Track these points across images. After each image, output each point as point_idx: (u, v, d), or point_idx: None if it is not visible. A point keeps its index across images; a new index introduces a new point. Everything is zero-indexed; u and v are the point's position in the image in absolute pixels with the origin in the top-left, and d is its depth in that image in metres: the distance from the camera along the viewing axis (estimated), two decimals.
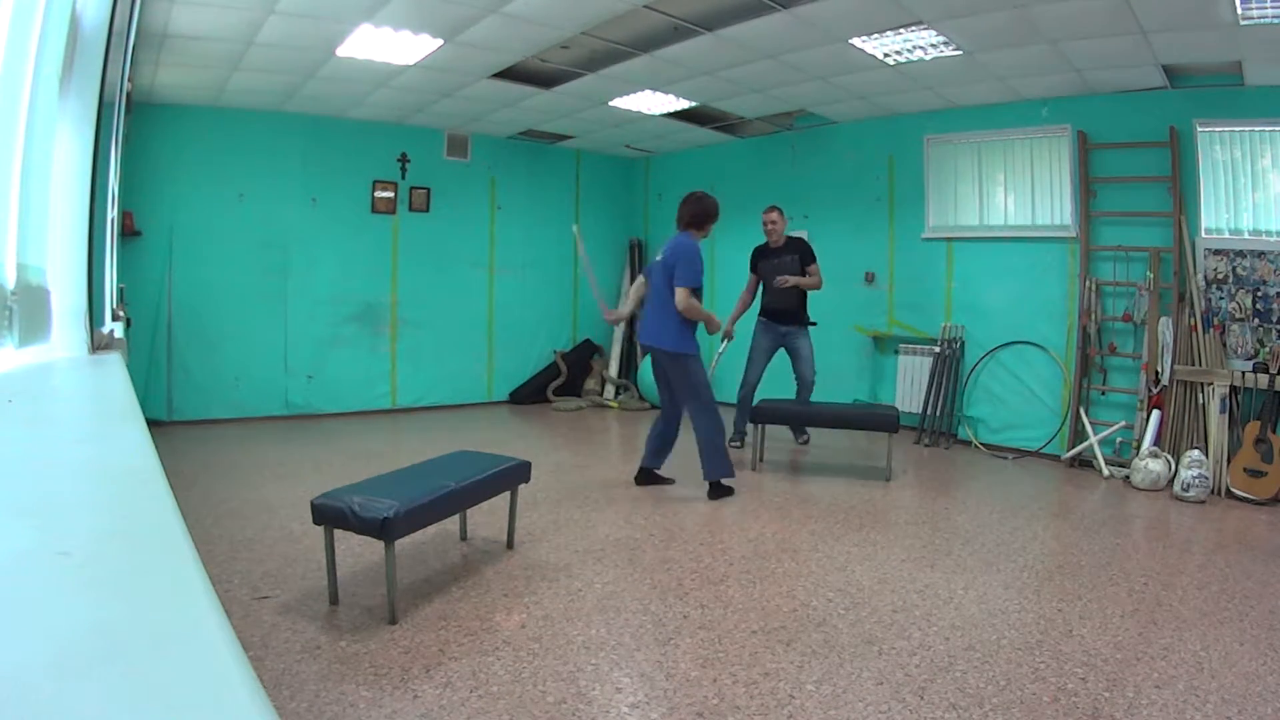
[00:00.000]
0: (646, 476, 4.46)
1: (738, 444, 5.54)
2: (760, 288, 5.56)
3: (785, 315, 5.41)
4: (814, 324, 5.56)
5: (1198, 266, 4.82)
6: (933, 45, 4.58)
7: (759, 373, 5.49)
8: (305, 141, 6.53)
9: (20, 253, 1.45)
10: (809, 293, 5.45)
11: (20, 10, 1.30)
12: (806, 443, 5.75)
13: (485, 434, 6.13)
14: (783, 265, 5.35)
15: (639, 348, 4.27)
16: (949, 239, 6.10)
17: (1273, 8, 3.63)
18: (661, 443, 4.38)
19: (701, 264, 4.08)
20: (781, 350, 5.53)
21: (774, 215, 5.41)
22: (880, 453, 5.18)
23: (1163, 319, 4.97)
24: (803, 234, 6.23)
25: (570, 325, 8.31)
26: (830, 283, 6.88)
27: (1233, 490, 4.46)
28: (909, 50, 4.70)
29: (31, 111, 1.38)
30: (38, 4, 1.34)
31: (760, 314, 5.56)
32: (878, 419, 4.92)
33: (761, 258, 5.51)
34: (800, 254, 5.35)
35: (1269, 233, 4.70)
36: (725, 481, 4.23)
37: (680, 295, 4.00)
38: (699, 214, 4.19)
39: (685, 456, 4.85)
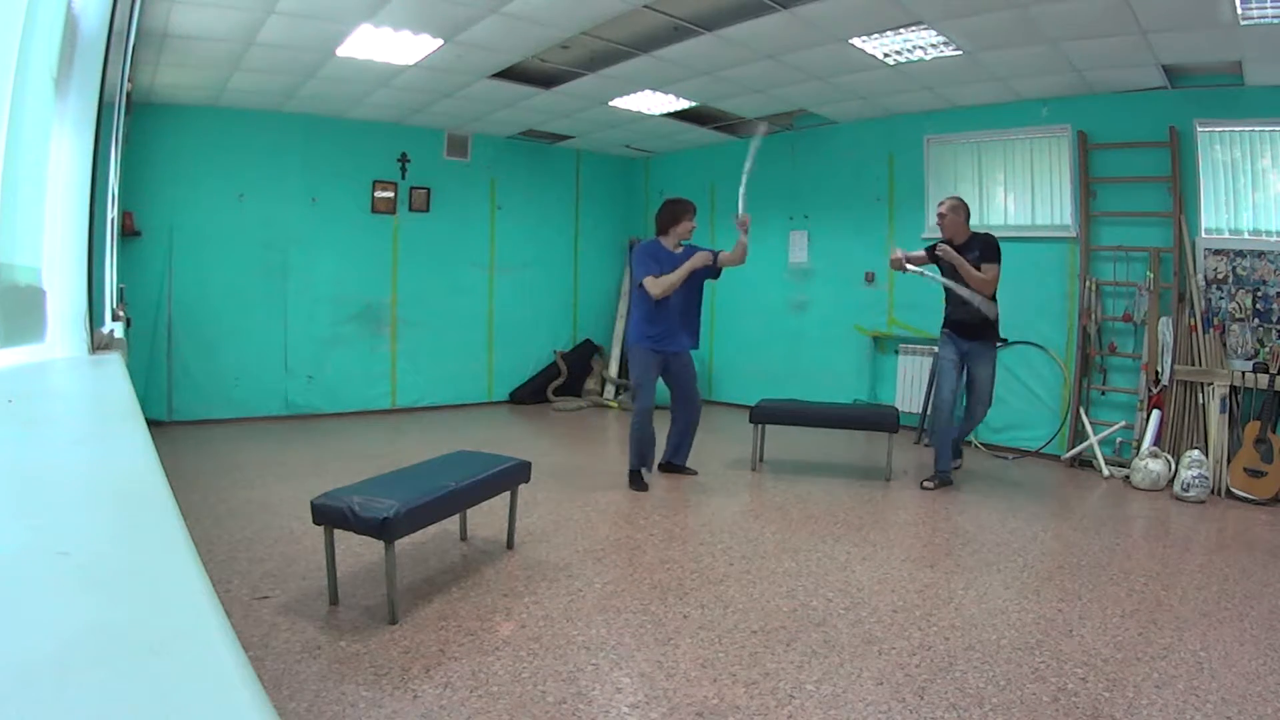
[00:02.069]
0: (668, 467, 4.76)
1: (931, 485, 4.60)
2: (949, 295, 4.60)
3: (968, 328, 4.51)
4: (1003, 341, 4.82)
5: (1198, 266, 4.82)
6: (933, 45, 4.58)
7: (950, 388, 4.58)
8: (305, 141, 6.53)
9: (7, 252, 1.44)
10: (995, 302, 4.50)
11: (4, 7, 1.29)
12: (954, 469, 4.82)
13: (485, 434, 6.13)
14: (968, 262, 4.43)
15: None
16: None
17: (1273, 8, 3.63)
18: (679, 438, 4.70)
19: (646, 258, 4.36)
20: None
21: (942, 208, 4.54)
22: (880, 453, 5.17)
23: (1163, 319, 4.97)
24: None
25: (570, 325, 8.32)
26: (830, 282, 6.93)
27: (1233, 490, 4.46)
28: (909, 50, 4.70)
29: (17, 111, 1.37)
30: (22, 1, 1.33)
31: (943, 325, 4.68)
32: (878, 419, 4.92)
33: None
34: (981, 251, 4.40)
35: (1269, 233, 4.70)
36: (642, 474, 4.48)
37: (647, 287, 4.30)
38: (657, 220, 4.51)
39: (695, 454, 4.86)
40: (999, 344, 4.70)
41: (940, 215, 4.56)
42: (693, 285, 4.45)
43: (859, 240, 6.69)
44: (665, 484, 4.55)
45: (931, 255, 4.56)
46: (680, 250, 4.44)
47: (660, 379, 4.52)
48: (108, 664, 0.38)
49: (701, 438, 6.34)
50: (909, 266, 4.54)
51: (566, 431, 6.47)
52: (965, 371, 4.62)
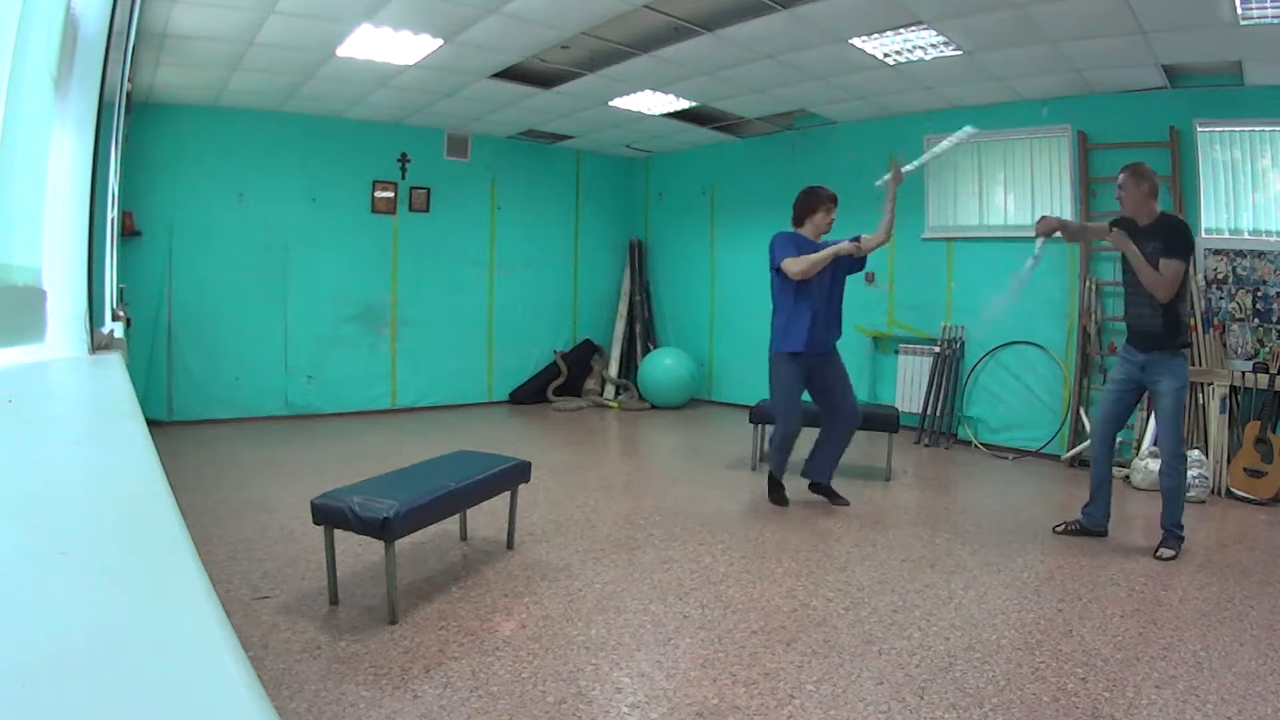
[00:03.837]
0: (817, 488, 4.23)
1: (1068, 527, 3.79)
2: (1125, 294, 3.72)
3: (1145, 337, 3.53)
4: (1187, 347, 3.64)
5: (1198, 266, 4.82)
6: (933, 45, 4.58)
7: (1104, 415, 3.71)
8: (305, 141, 6.53)
9: (6, 252, 1.44)
10: (1176, 307, 3.46)
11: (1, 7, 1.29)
12: (1171, 557, 3.46)
13: (485, 434, 6.13)
14: (1145, 254, 3.44)
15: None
16: (949, 239, 6.10)
17: (1273, 8, 3.63)
18: (828, 450, 4.14)
19: (785, 244, 3.94)
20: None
21: (1120, 177, 3.55)
22: (880, 453, 5.17)
23: None
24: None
25: (570, 325, 8.32)
26: None
27: (1233, 490, 4.46)
28: (909, 50, 4.70)
29: (16, 111, 1.37)
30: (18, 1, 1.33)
31: (1126, 338, 3.73)
32: (878, 419, 4.91)
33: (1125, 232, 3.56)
34: (1164, 241, 3.39)
35: (1269, 233, 4.70)
36: (780, 484, 4.21)
37: (786, 267, 3.88)
38: (794, 209, 4.09)
39: (695, 454, 4.85)
40: (1184, 355, 3.54)
41: (1119, 187, 3.56)
42: (835, 280, 4.02)
43: None
44: (665, 484, 4.54)
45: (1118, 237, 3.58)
46: (820, 243, 4.00)
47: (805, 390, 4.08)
48: (108, 664, 0.38)
49: (701, 438, 6.35)
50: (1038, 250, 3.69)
51: (566, 431, 6.47)
52: (1149, 392, 3.69)
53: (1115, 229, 3.55)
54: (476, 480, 2.99)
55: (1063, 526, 3.83)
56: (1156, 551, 3.47)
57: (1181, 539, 3.51)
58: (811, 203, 4.01)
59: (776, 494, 4.19)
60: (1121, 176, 3.56)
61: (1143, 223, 3.50)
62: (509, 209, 7.76)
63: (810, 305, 3.95)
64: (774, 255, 3.97)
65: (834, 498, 4.19)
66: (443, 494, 2.78)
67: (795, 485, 4.38)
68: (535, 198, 7.93)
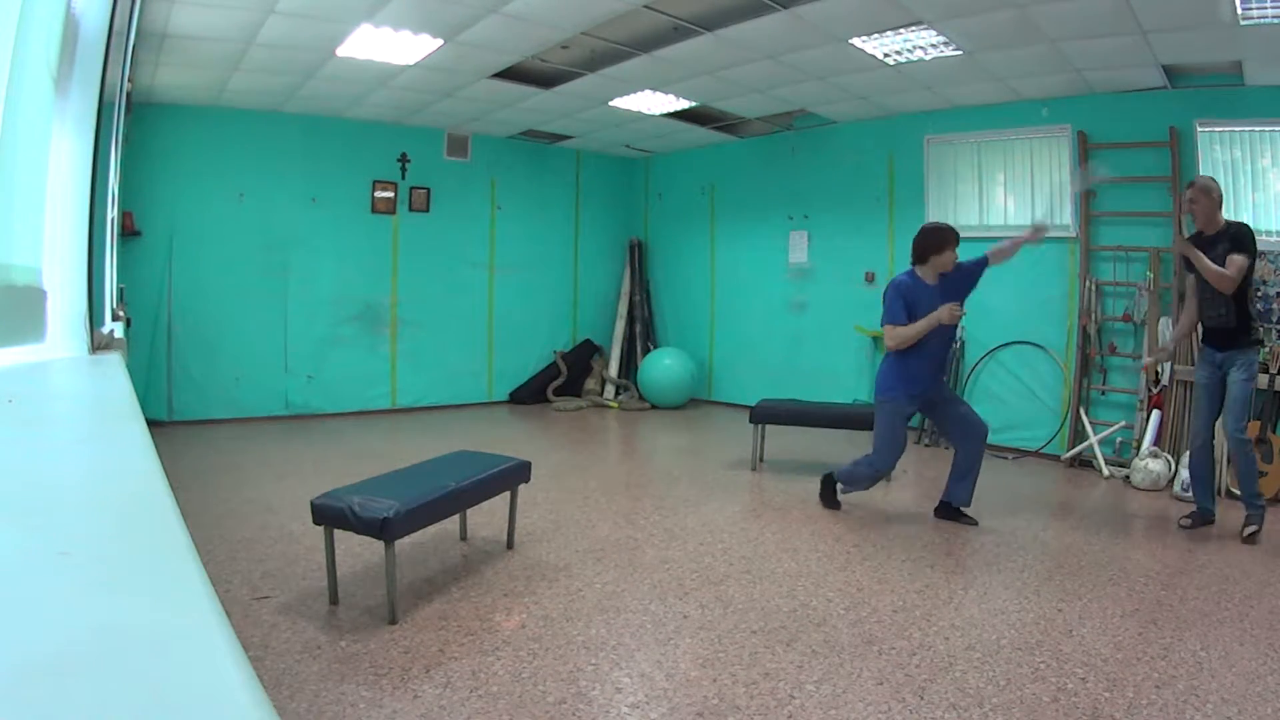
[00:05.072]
0: (945, 510, 4.02)
1: (1187, 523, 3.89)
2: (1198, 300, 3.86)
3: (1223, 335, 3.75)
4: (1260, 343, 3.96)
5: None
6: (933, 45, 4.58)
7: (1203, 418, 3.87)
8: (305, 141, 6.53)
9: (6, 252, 1.44)
10: (1246, 305, 3.72)
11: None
12: (1254, 533, 3.69)
13: (485, 434, 6.13)
14: (1216, 260, 3.63)
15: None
16: None
17: (1273, 8, 3.63)
18: (964, 471, 3.96)
19: (897, 299, 3.77)
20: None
21: (1190, 192, 3.73)
22: None
23: (1163, 319, 4.97)
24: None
25: (570, 325, 8.32)
26: (830, 283, 6.93)
27: (1233, 490, 4.45)
28: (909, 50, 4.70)
29: (15, 111, 1.37)
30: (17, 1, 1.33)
31: (1201, 339, 3.99)
32: None
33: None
34: (1231, 241, 3.61)
35: (1269, 233, 4.70)
36: (839, 489, 4.18)
37: (885, 340, 3.83)
38: (915, 248, 3.87)
39: (695, 455, 4.85)
40: (1256, 349, 3.80)
41: (1190, 201, 3.72)
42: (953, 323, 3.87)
43: (859, 240, 6.69)
44: (665, 484, 4.54)
45: (1188, 262, 3.78)
46: (936, 283, 3.82)
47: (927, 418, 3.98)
48: (108, 664, 0.38)
49: (701, 438, 6.35)
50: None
51: (566, 431, 6.47)
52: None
53: (1181, 242, 3.80)
54: (476, 480, 2.99)
55: (1188, 521, 3.94)
56: (1243, 530, 3.69)
57: (1262, 508, 3.74)
58: (937, 242, 3.79)
59: (831, 498, 4.15)
60: (1190, 192, 3.75)
61: (1209, 232, 3.73)
62: (509, 209, 7.76)
63: (929, 354, 3.84)
64: (885, 310, 3.83)
65: (962, 518, 3.97)
66: (443, 494, 2.78)
67: (804, 487, 4.36)
68: (535, 198, 7.93)
